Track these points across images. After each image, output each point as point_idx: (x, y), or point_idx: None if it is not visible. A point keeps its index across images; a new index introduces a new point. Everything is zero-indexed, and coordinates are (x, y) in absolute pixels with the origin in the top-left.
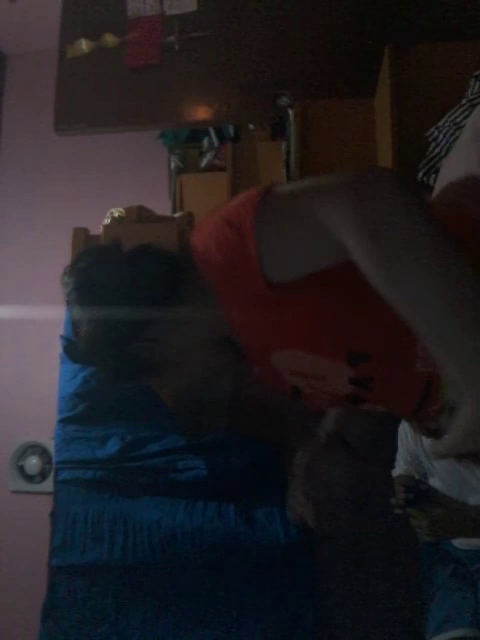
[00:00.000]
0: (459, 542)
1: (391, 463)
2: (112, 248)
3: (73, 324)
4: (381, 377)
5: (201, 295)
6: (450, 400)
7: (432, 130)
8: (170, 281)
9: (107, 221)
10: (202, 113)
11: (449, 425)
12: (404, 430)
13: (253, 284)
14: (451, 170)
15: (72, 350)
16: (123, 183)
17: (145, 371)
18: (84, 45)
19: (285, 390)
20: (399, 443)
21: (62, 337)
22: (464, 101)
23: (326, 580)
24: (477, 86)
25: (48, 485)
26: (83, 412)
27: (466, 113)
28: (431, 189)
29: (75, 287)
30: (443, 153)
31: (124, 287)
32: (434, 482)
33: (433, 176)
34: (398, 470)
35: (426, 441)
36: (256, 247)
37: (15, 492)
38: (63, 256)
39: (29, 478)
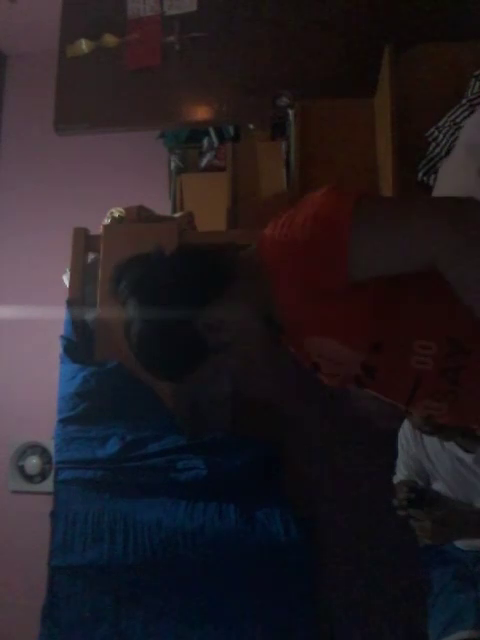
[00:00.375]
0: (461, 543)
1: (392, 468)
2: (157, 253)
3: (127, 323)
4: (384, 368)
5: (250, 280)
6: None
7: (432, 130)
8: (217, 275)
9: (107, 221)
10: (202, 113)
11: None
12: (405, 435)
13: (332, 277)
14: (448, 179)
15: (72, 350)
16: (123, 183)
17: (204, 354)
18: (84, 45)
19: (307, 365)
20: (399, 449)
21: (62, 337)
22: (464, 101)
23: (326, 579)
24: (477, 86)
25: (48, 485)
26: (83, 412)
27: (466, 113)
28: (431, 189)
29: (131, 293)
30: (443, 153)
31: (177, 286)
32: (438, 485)
33: (433, 176)
34: (399, 476)
35: (429, 444)
36: (349, 246)
37: (15, 492)
38: (63, 256)
39: (29, 478)
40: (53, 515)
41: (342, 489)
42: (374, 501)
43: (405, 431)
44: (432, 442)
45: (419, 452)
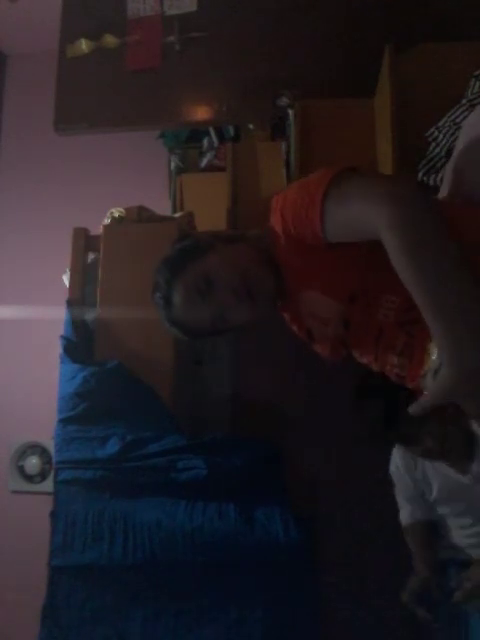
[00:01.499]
0: None
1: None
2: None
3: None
4: (356, 319)
5: (256, 241)
6: (435, 364)
7: (432, 130)
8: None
9: (107, 221)
10: (202, 113)
11: (431, 384)
12: (396, 465)
13: (312, 236)
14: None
15: (72, 350)
16: (123, 183)
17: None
18: (84, 45)
19: (302, 334)
20: (396, 485)
21: (62, 337)
22: (464, 101)
23: (326, 579)
24: (477, 86)
25: (48, 485)
26: (83, 412)
27: (466, 113)
28: (431, 189)
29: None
30: (443, 153)
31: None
32: (443, 509)
33: (433, 176)
34: (404, 514)
35: (423, 470)
36: (321, 213)
37: (15, 492)
38: (63, 256)
39: (29, 478)
40: (53, 515)
41: (342, 489)
42: (374, 501)
43: (396, 461)
44: (426, 467)
45: (415, 474)
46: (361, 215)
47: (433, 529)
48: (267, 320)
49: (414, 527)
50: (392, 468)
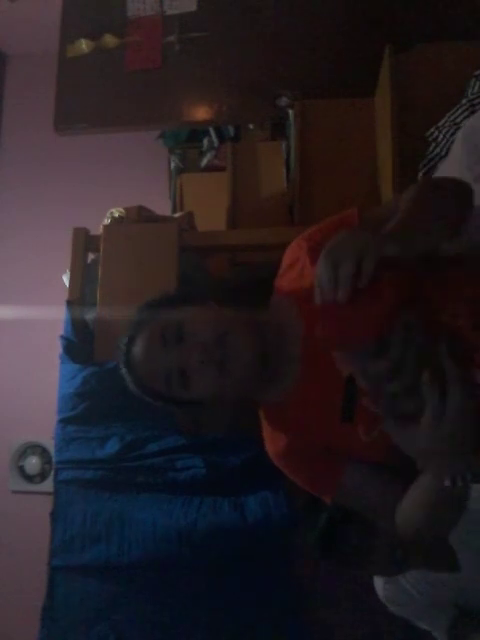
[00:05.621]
0: None
1: None
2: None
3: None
4: None
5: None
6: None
7: (432, 130)
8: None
9: (107, 221)
10: (202, 113)
11: None
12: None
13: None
14: (444, 174)
15: (72, 350)
16: (123, 183)
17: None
18: (84, 45)
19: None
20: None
21: (62, 337)
22: (464, 101)
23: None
24: (477, 86)
25: (48, 485)
26: (83, 412)
27: (466, 113)
28: None
29: None
30: (443, 153)
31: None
32: None
33: (433, 176)
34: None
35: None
36: (359, 214)
37: (15, 492)
38: (63, 256)
39: (29, 478)
40: (53, 515)
41: None
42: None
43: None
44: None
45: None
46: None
47: None
48: (237, 405)
49: None
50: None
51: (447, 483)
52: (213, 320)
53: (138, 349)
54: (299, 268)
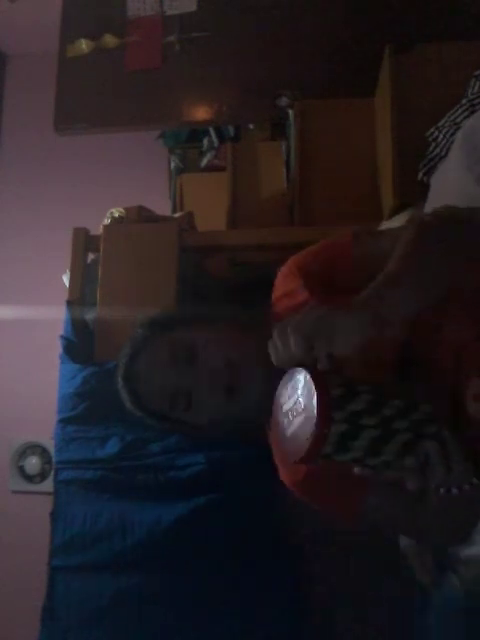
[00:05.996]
0: None
1: None
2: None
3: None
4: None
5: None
6: None
7: (432, 130)
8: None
9: (107, 221)
10: (202, 113)
11: None
12: None
13: (341, 268)
14: (445, 181)
15: (72, 350)
16: (123, 183)
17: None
18: (84, 45)
19: None
20: None
21: (62, 337)
22: (464, 101)
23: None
24: (477, 86)
25: (48, 485)
26: (83, 412)
27: (466, 113)
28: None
29: None
30: (443, 153)
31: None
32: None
33: (433, 176)
34: None
35: None
36: (352, 245)
37: (15, 492)
38: (63, 256)
39: (29, 478)
40: (53, 515)
41: None
42: None
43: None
44: None
45: None
46: (389, 231)
47: None
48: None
49: None
50: None
51: (455, 491)
52: (227, 346)
53: (144, 365)
54: (295, 301)
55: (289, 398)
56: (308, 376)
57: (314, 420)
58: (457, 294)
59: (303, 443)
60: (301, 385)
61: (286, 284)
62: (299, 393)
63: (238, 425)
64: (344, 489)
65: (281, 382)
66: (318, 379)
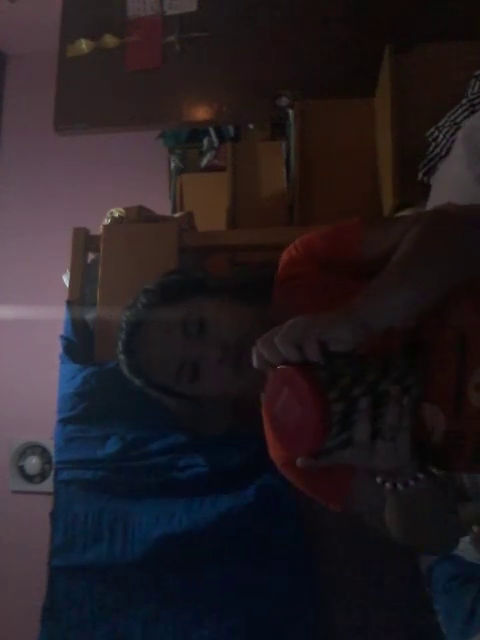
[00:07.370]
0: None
1: None
2: None
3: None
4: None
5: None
6: None
7: (432, 130)
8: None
9: (107, 221)
10: (202, 113)
11: None
12: None
13: (349, 252)
14: (446, 181)
15: (72, 350)
16: (123, 183)
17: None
18: (84, 45)
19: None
20: None
21: (62, 337)
22: (464, 101)
23: (324, 557)
24: (477, 86)
25: (48, 485)
26: (83, 412)
27: (466, 113)
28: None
29: None
30: (443, 153)
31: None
32: None
33: (433, 176)
34: None
35: None
36: (361, 230)
37: (15, 492)
38: (63, 256)
39: (29, 478)
40: (53, 515)
41: None
42: None
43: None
44: None
45: None
46: (399, 221)
47: None
48: (236, 407)
49: None
50: None
51: (400, 487)
52: (237, 320)
53: (151, 335)
54: (302, 281)
55: (280, 393)
56: (294, 368)
57: (312, 405)
58: (465, 283)
59: (307, 428)
60: (289, 379)
61: (290, 267)
62: (289, 387)
63: (236, 402)
64: (331, 471)
65: (268, 382)
66: (303, 368)
